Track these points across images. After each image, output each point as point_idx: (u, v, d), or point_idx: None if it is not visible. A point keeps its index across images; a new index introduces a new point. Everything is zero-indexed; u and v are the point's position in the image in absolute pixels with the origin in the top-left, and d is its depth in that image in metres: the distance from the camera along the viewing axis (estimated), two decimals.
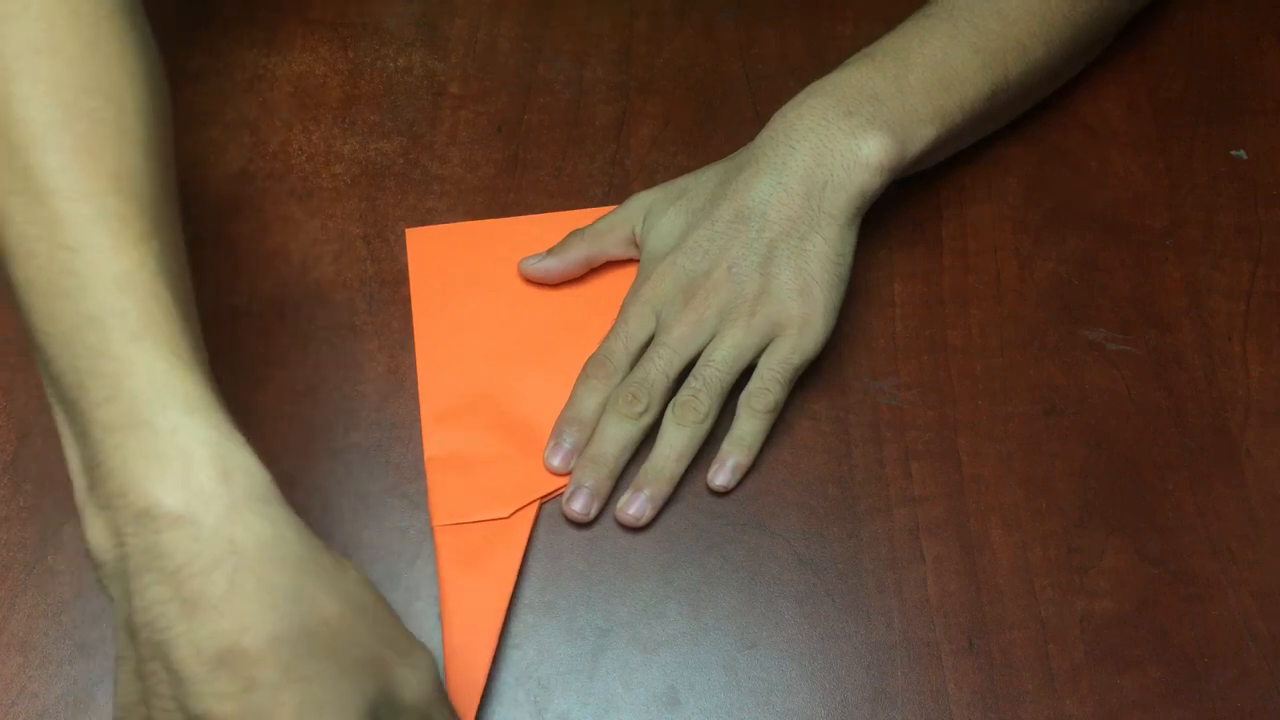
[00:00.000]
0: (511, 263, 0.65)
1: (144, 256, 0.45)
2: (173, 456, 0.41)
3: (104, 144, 0.46)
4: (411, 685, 0.44)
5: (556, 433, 0.60)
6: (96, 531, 0.43)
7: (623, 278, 0.65)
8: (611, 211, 0.65)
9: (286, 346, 0.63)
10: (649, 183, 0.68)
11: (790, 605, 0.58)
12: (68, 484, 0.59)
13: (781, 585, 0.58)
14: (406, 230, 0.67)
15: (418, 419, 0.62)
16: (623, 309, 0.62)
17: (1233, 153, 0.71)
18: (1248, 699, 0.56)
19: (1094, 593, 0.58)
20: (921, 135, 0.62)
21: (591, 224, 0.65)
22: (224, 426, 0.43)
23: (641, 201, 0.65)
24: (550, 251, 0.65)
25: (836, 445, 0.62)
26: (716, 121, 0.71)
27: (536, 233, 0.66)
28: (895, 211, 0.67)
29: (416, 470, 0.60)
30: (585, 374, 0.61)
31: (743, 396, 0.60)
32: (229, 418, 0.43)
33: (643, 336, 0.61)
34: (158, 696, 0.41)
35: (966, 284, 0.66)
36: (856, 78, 0.63)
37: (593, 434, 0.60)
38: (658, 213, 0.64)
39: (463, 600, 0.56)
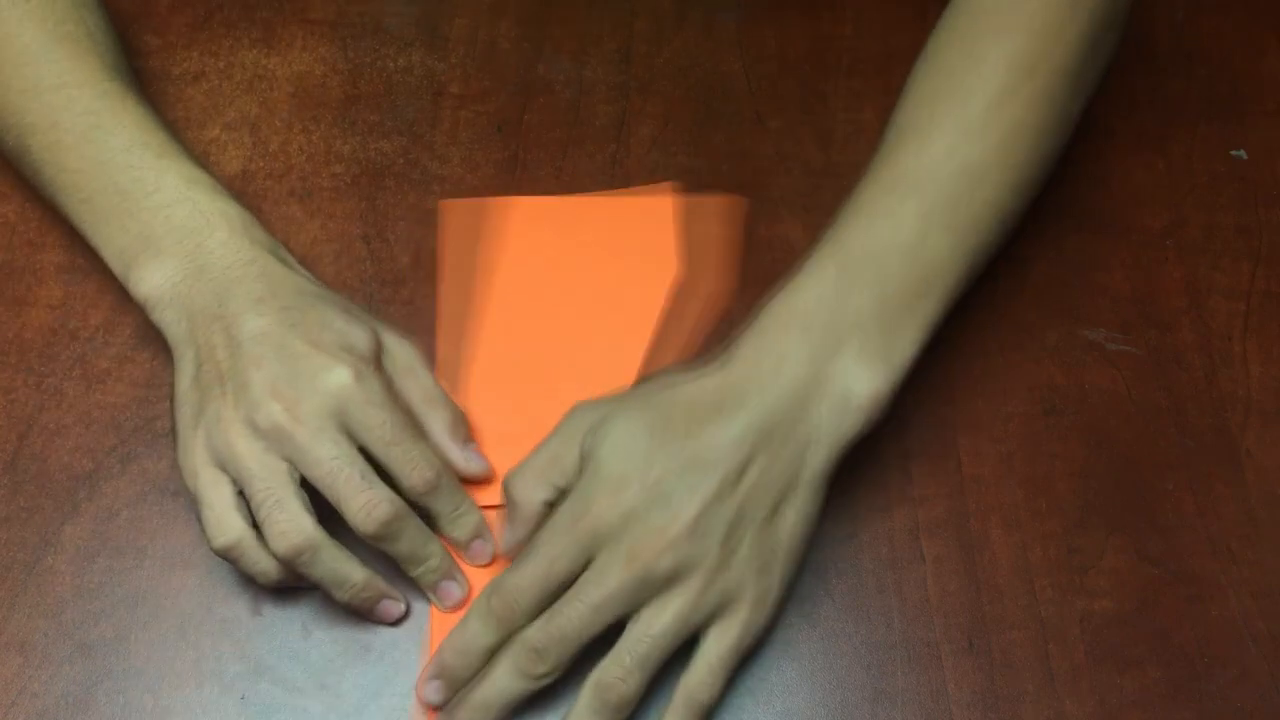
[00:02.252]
0: (542, 242, 0.65)
1: (145, 112, 0.62)
2: (214, 215, 0.59)
3: (85, 51, 0.62)
4: (396, 340, 0.59)
5: (437, 662, 0.54)
6: (156, 273, 0.58)
7: (646, 273, 0.65)
8: (549, 439, 0.56)
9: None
10: (649, 183, 0.69)
11: (790, 605, 0.58)
12: (68, 484, 0.59)
13: None
14: (441, 203, 0.67)
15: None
16: (547, 530, 0.53)
17: (1233, 153, 0.71)
18: (1248, 699, 0.56)
19: (1094, 593, 0.58)
20: (906, 355, 0.56)
21: (533, 456, 0.56)
22: (239, 204, 0.60)
23: (589, 415, 0.56)
24: (510, 526, 0.56)
25: None
26: (716, 121, 0.71)
27: (569, 213, 0.66)
28: None
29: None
30: (486, 607, 0.53)
31: (683, 685, 0.53)
32: (238, 200, 0.61)
33: (563, 577, 0.52)
34: (212, 355, 0.56)
35: None
36: (835, 296, 0.55)
37: (482, 673, 0.53)
38: (614, 421, 0.54)
39: None
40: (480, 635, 0.53)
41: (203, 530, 0.54)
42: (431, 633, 0.56)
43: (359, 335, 0.57)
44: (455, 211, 0.67)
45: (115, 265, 0.59)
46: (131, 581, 0.57)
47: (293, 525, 0.53)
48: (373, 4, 0.74)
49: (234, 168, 0.68)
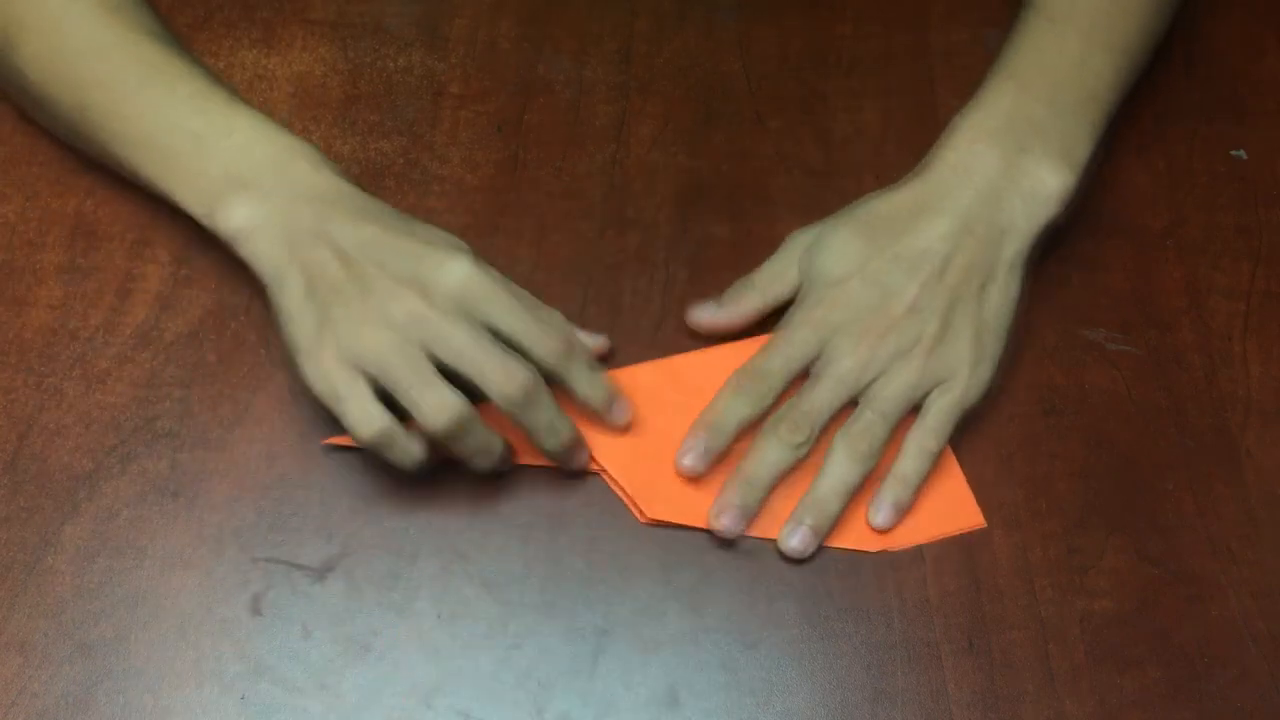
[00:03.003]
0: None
1: (203, 69, 0.63)
2: (295, 149, 0.61)
3: (137, 21, 0.63)
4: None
5: (694, 434, 0.60)
6: (245, 206, 0.59)
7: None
8: (772, 258, 0.64)
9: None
10: (649, 183, 0.69)
11: (790, 605, 0.58)
12: (68, 484, 0.59)
13: (781, 585, 0.58)
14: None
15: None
16: (786, 326, 0.61)
17: (1233, 153, 0.71)
18: (1248, 699, 0.56)
19: (1094, 593, 0.58)
20: (1083, 154, 0.63)
21: (757, 272, 0.64)
22: (313, 143, 0.62)
23: (804, 237, 0.64)
24: (719, 302, 0.63)
25: None
26: (716, 121, 0.71)
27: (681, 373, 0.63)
28: None
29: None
30: (736, 384, 0.60)
31: (913, 436, 0.60)
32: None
33: (803, 360, 0.60)
34: (324, 270, 0.57)
35: None
36: (1015, 107, 0.63)
37: (748, 452, 0.60)
38: (829, 234, 0.63)
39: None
40: (735, 410, 0.60)
41: (348, 427, 0.56)
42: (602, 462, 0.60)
43: (458, 240, 0.59)
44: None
45: (196, 207, 0.60)
46: (131, 581, 0.57)
47: (444, 400, 0.55)
48: (373, 4, 0.74)
49: None
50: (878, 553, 0.59)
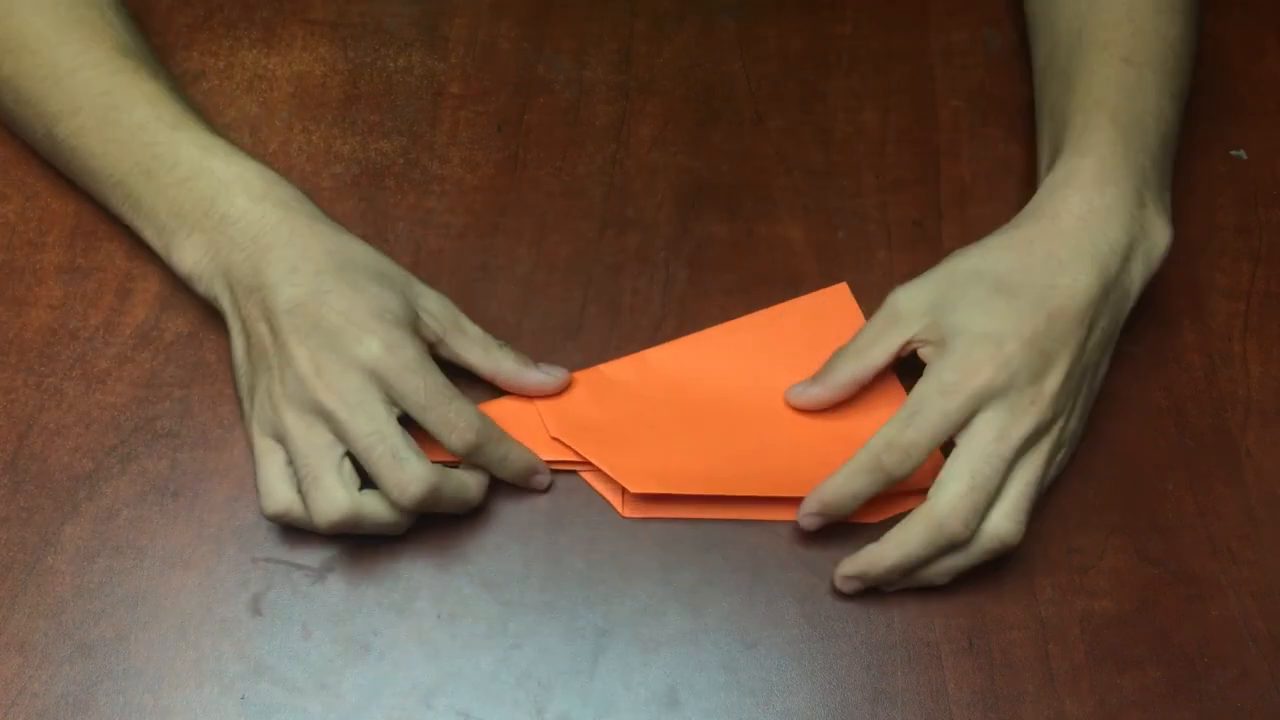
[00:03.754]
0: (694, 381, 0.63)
1: (158, 86, 0.62)
2: (233, 181, 0.59)
3: (98, 34, 0.62)
4: (433, 298, 0.60)
5: (820, 500, 0.57)
6: (191, 250, 0.59)
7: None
8: (871, 321, 0.60)
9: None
10: (649, 183, 0.69)
11: (790, 605, 0.58)
12: (68, 484, 0.59)
13: (781, 585, 0.58)
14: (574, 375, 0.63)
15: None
16: (935, 391, 0.56)
17: (1233, 153, 0.71)
18: (1248, 699, 0.56)
19: (1094, 593, 0.58)
20: (1170, 208, 0.61)
21: (854, 340, 0.60)
22: (258, 162, 0.60)
23: (909, 299, 0.59)
24: (816, 380, 0.60)
25: None
26: (716, 121, 0.71)
27: (728, 340, 0.64)
28: (895, 211, 0.67)
29: None
30: (876, 462, 0.56)
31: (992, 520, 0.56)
32: (256, 156, 0.61)
33: (952, 431, 0.56)
34: (256, 329, 0.57)
35: None
36: (1126, 156, 0.60)
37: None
38: (961, 289, 0.58)
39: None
40: (866, 487, 0.56)
41: (258, 495, 0.56)
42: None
43: (391, 300, 0.57)
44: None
45: (156, 246, 0.61)
46: (131, 581, 0.57)
47: (327, 501, 0.55)
48: (373, 4, 0.74)
49: None
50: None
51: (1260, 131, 0.72)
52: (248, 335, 0.58)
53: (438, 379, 0.56)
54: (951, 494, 0.55)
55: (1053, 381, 0.56)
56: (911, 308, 0.58)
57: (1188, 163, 0.70)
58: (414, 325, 0.58)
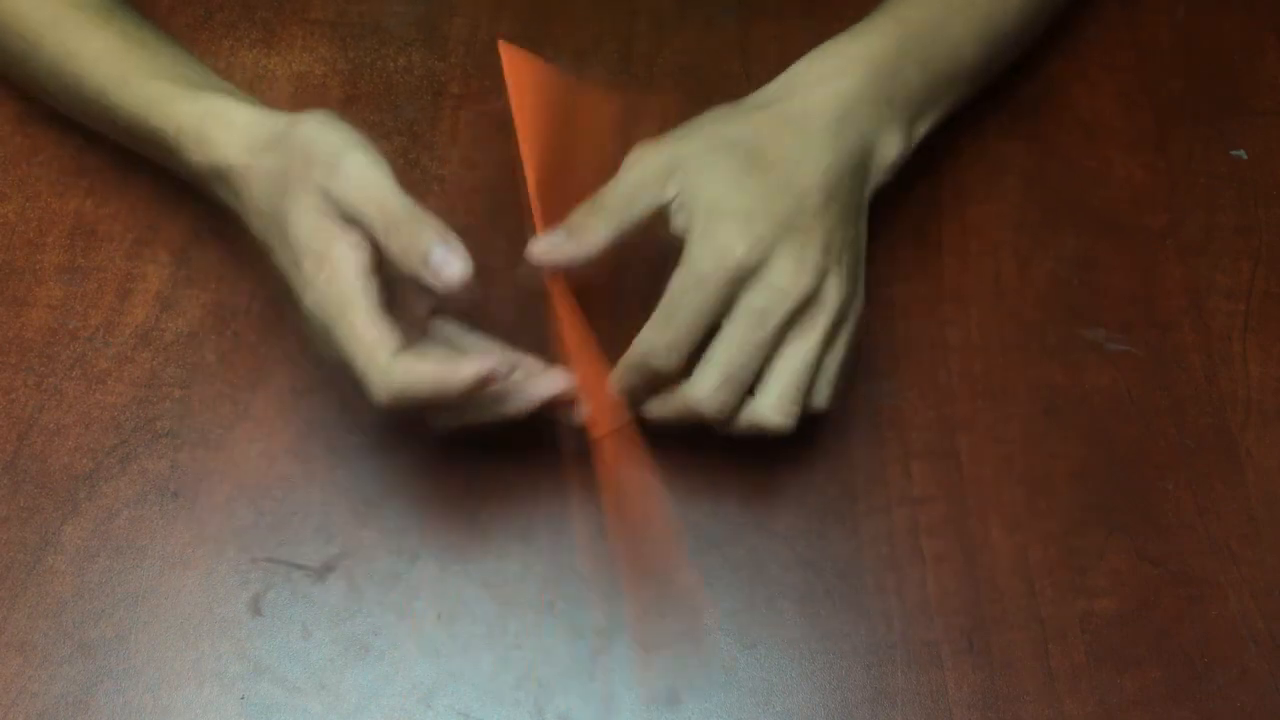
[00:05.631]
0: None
1: (175, 55, 0.62)
2: (173, 131, 0.59)
3: (93, 23, 0.62)
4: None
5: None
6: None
7: None
8: (621, 179, 0.56)
9: (287, 346, 0.63)
10: None
11: (790, 605, 0.58)
12: (68, 484, 0.59)
13: (781, 585, 0.58)
14: (501, 44, 0.58)
15: (417, 419, 0.61)
16: (693, 280, 0.54)
17: (1233, 153, 0.71)
18: (1248, 699, 0.56)
19: (1094, 593, 0.58)
20: (921, 131, 0.62)
21: (603, 196, 0.56)
22: (198, 97, 0.59)
23: (660, 160, 0.56)
24: (569, 233, 0.56)
25: (836, 445, 0.62)
26: None
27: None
28: (895, 211, 0.67)
29: (417, 470, 0.60)
30: (641, 361, 0.55)
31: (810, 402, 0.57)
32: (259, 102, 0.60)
33: (714, 319, 0.55)
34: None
35: (966, 284, 0.66)
36: (893, 54, 0.61)
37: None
38: (712, 158, 0.56)
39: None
40: (640, 388, 0.56)
41: None
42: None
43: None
44: (519, 63, 0.58)
45: (199, 165, 0.59)
46: (131, 581, 0.57)
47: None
48: (373, 4, 0.74)
49: None
50: (877, 553, 0.59)
51: (1260, 131, 0.72)
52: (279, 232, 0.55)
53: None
54: (706, 385, 0.54)
55: (809, 257, 0.55)
56: (664, 168, 0.56)
57: (1187, 163, 0.70)
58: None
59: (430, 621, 0.57)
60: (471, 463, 0.60)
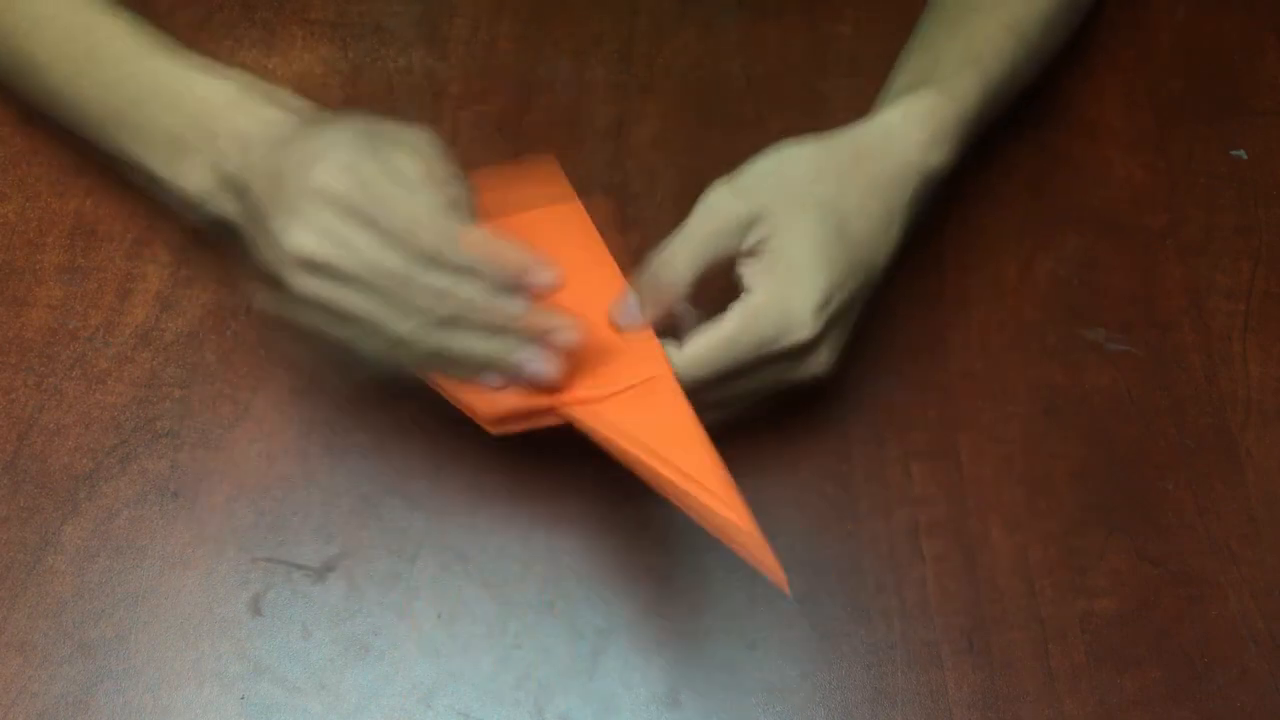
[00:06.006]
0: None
1: (131, 16, 0.61)
2: (220, 98, 0.58)
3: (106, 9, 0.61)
4: (411, 135, 0.57)
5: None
6: (195, 170, 0.57)
7: None
8: (697, 223, 0.55)
9: (287, 346, 0.63)
10: (649, 183, 0.69)
11: (790, 605, 0.58)
12: (68, 484, 0.59)
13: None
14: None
15: (417, 419, 0.61)
16: (750, 348, 0.55)
17: (1233, 153, 0.71)
18: (1248, 699, 0.56)
19: (1094, 593, 0.58)
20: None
21: (679, 239, 0.55)
22: (246, 75, 0.59)
23: (740, 204, 0.56)
24: (645, 287, 0.55)
25: (836, 445, 0.62)
26: (716, 121, 0.71)
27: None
28: None
29: (417, 470, 0.60)
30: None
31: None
32: (243, 71, 0.60)
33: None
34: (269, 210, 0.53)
35: (966, 284, 0.66)
36: (974, 117, 0.61)
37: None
38: (796, 210, 0.56)
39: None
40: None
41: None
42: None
43: (410, 159, 0.55)
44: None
45: (164, 174, 0.59)
46: (131, 581, 0.57)
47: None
48: (373, 4, 0.74)
49: None
50: (876, 553, 0.59)
51: (1260, 131, 0.72)
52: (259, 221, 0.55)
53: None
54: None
55: (844, 341, 0.57)
56: (744, 218, 0.55)
57: (1187, 163, 0.70)
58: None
59: (430, 621, 0.57)
60: (472, 463, 0.60)
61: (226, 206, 0.57)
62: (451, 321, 0.52)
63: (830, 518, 0.60)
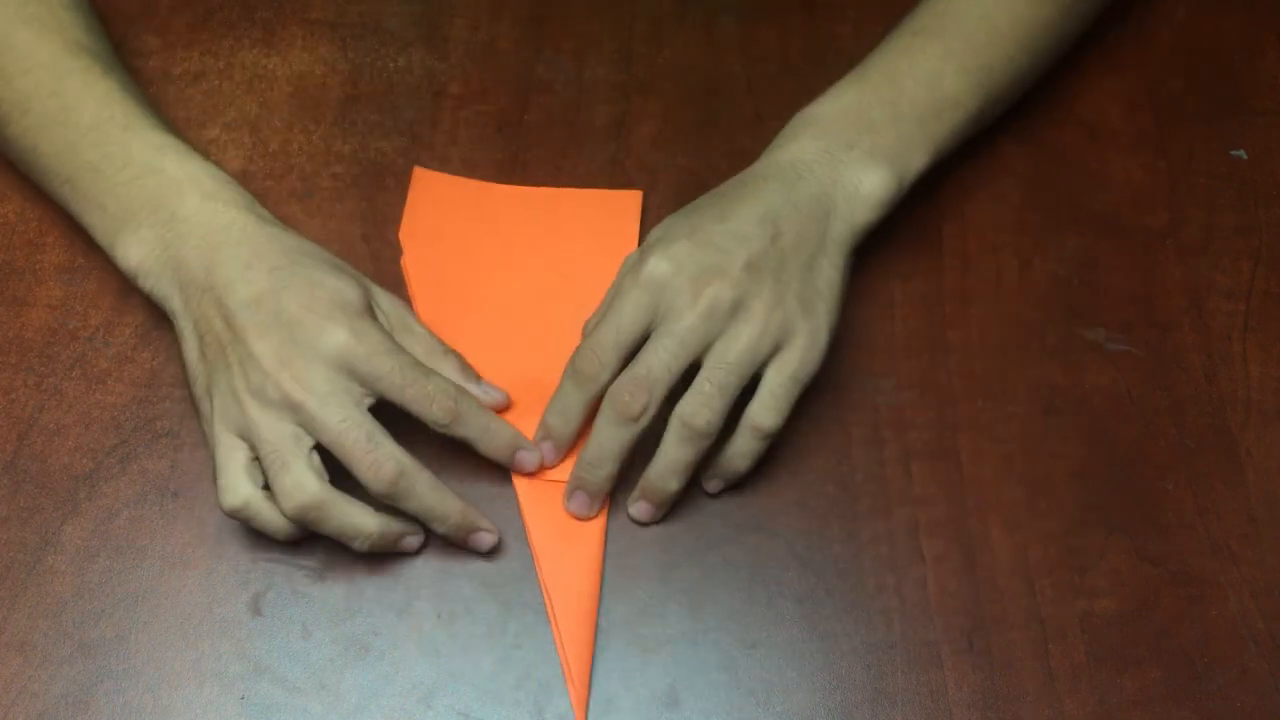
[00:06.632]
0: (508, 230, 0.66)
1: (109, 84, 0.62)
2: (184, 181, 0.59)
3: (49, 31, 0.63)
4: (384, 296, 0.60)
5: (544, 427, 0.59)
6: (139, 245, 0.59)
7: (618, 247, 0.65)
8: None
9: None
10: (649, 183, 0.69)
11: (790, 605, 0.58)
12: (68, 484, 0.59)
13: (781, 585, 0.58)
14: (415, 170, 0.68)
15: (418, 419, 0.61)
16: (617, 292, 0.58)
17: (1233, 153, 0.71)
18: (1248, 699, 0.56)
19: (1094, 593, 0.58)
20: (915, 165, 0.62)
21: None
22: (209, 163, 0.61)
23: (667, 269, 0.58)
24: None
25: (836, 445, 0.62)
26: (716, 121, 0.71)
27: (540, 205, 0.67)
28: (896, 212, 0.67)
29: None
30: (572, 370, 0.58)
31: (748, 413, 0.57)
32: (208, 157, 0.61)
33: (638, 329, 0.57)
34: (211, 328, 0.57)
35: (966, 284, 0.66)
36: (852, 106, 0.63)
37: (589, 435, 0.57)
38: (654, 236, 0.60)
39: (559, 560, 0.58)
40: (573, 394, 0.58)
41: (217, 493, 0.56)
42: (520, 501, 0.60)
43: (349, 290, 0.57)
44: (427, 182, 0.68)
45: (102, 241, 0.60)
46: (131, 581, 0.57)
47: (296, 486, 0.54)
48: (373, 4, 0.74)
49: (234, 168, 0.68)
50: (876, 553, 0.59)
51: (1260, 131, 0.72)
52: (200, 335, 0.57)
53: (407, 357, 0.57)
54: (625, 382, 0.57)
55: (732, 265, 0.57)
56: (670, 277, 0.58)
57: (1187, 163, 0.70)
58: (372, 313, 0.58)
59: (430, 621, 0.57)
60: (472, 462, 0.60)
61: (165, 288, 0.59)
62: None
63: (830, 518, 0.60)
